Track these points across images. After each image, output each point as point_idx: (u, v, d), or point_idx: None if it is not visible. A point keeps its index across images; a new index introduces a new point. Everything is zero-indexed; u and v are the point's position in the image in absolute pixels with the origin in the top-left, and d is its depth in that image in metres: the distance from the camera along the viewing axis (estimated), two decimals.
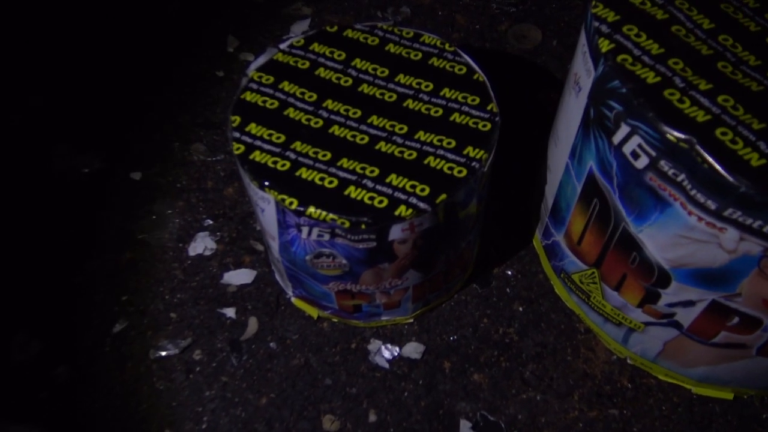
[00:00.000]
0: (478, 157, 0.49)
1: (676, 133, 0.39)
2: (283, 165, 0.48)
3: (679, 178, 0.40)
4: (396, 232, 0.47)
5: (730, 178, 0.38)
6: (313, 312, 0.60)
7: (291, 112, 0.51)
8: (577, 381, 0.57)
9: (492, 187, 0.62)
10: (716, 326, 0.48)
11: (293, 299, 0.61)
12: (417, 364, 0.58)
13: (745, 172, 0.38)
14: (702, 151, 0.39)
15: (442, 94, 0.52)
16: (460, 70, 0.54)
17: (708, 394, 0.56)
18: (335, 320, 0.60)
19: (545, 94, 0.75)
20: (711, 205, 0.39)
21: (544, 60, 0.79)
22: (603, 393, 0.56)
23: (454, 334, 0.60)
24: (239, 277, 0.63)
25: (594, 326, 0.58)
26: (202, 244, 0.65)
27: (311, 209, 0.46)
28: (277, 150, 0.49)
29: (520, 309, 0.61)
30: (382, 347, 0.59)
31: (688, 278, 0.45)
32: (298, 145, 0.49)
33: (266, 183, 0.47)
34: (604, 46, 0.44)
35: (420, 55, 0.55)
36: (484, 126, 0.51)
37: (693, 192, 0.40)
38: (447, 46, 0.55)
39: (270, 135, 0.50)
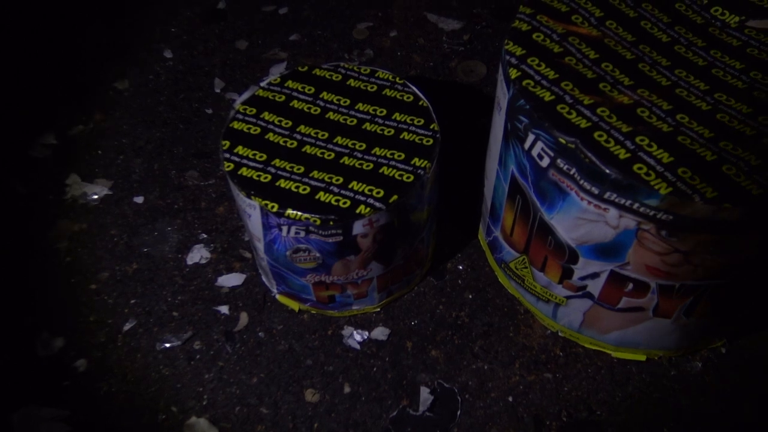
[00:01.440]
0: (422, 166, 0.61)
1: (565, 137, 0.52)
2: (266, 177, 0.60)
3: (572, 172, 0.52)
4: (358, 227, 0.59)
5: (605, 169, 0.50)
6: (294, 305, 0.71)
7: (271, 136, 0.63)
8: (518, 352, 0.68)
9: (443, 196, 0.74)
10: (618, 293, 0.59)
11: (277, 296, 0.71)
12: (384, 344, 0.69)
13: (616, 164, 0.50)
14: (584, 150, 0.51)
15: (393, 117, 0.65)
16: (408, 98, 0.66)
17: (625, 356, 0.67)
18: (314, 311, 0.71)
19: (488, 118, 0.88)
20: (595, 190, 0.51)
21: (488, 90, 0.92)
22: (539, 361, 0.67)
23: (415, 319, 0.71)
24: (231, 280, 0.73)
25: (530, 306, 0.70)
26: (198, 254, 0.76)
27: (289, 211, 0.57)
28: (260, 166, 0.61)
29: (470, 297, 0.72)
30: (354, 332, 0.69)
31: (590, 253, 0.57)
32: (277, 162, 0.61)
33: (252, 192, 0.59)
34: (513, 74, 0.56)
35: (375, 87, 0.67)
36: (428, 141, 0.63)
37: (582, 182, 0.52)
38: (397, 79, 0.68)
39: (254, 155, 0.62)
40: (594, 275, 0.59)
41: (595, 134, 0.52)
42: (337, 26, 1.01)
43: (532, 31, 0.60)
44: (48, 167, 0.84)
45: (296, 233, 0.59)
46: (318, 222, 0.58)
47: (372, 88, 0.67)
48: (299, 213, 0.57)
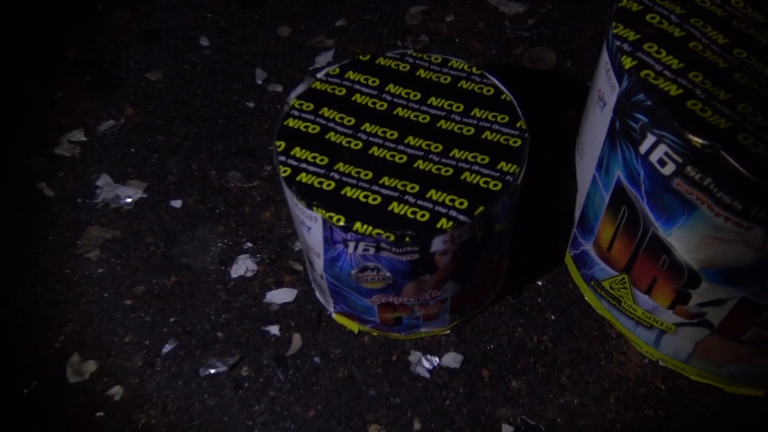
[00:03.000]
0: (511, 171, 0.52)
1: (700, 140, 0.42)
2: (329, 185, 0.51)
3: (706, 182, 0.43)
4: (438, 244, 0.50)
5: (755, 179, 0.41)
6: (353, 326, 0.63)
7: (332, 136, 0.55)
8: (612, 384, 0.59)
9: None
10: (746, 323, 0.50)
11: (334, 315, 0.63)
12: (456, 373, 0.60)
13: None
14: (726, 156, 0.42)
15: (472, 114, 0.56)
16: (488, 91, 0.57)
17: (740, 392, 0.58)
18: (375, 334, 0.63)
19: (563, 112, 0.79)
20: (737, 205, 0.42)
21: (559, 81, 0.83)
22: (638, 395, 0.58)
23: (491, 343, 0.62)
24: (281, 296, 0.66)
25: (625, 331, 0.61)
26: (243, 266, 0.68)
27: (358, 225, 0.49)
28: (322, 171, 0.52)
29: (553, 317, 0.63)
30: (422, 358, 0.61)
31: (717, 277, 0.48)
32: (341, 166, 0.52)
33: (314, 203, 0.50)
34: (627, 63, 0.47)
35: (449, 78, 0.58)
36: (515, 142, 0.54)
37: (719, 194, 0.43)
38: (474, 69, 0.59)
39: (314, 158, 0.53)
40: (718, 302, 0.50)
41: (740, 136, 0.42)
42: (386, 10, 0.92)
43: (645, 11, 0.50)
44: (76, 167, 0.76)
45: (364, 250, 0.51)
46: (392, 238, 0.49)
47: (445, 79, 0.58)
48: (369, 227, 0.49)
